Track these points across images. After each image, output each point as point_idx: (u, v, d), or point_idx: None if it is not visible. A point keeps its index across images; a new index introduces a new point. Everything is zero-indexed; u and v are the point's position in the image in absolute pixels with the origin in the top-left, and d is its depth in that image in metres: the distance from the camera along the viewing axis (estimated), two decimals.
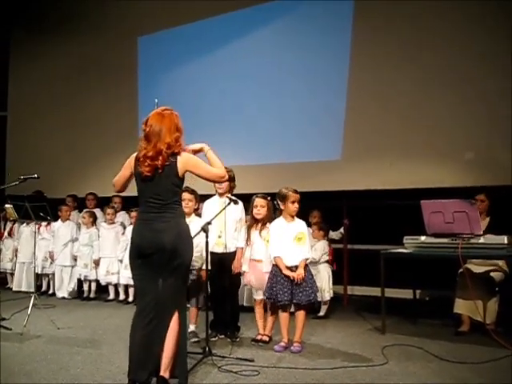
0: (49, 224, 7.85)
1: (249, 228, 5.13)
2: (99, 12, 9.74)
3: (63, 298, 7.59)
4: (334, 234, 6.88)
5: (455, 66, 6.37)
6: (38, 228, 7.73)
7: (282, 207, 4.83)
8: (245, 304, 6.27)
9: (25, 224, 8.16)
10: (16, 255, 8.32)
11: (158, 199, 3.46)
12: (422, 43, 6.62)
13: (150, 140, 3.48)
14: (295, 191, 4.80)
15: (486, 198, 5.51)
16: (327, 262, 6.32)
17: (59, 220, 7.81)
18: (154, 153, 3.43)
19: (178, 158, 3.48)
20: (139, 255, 3.47)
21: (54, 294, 7.79)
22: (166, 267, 3.41)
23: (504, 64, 6.03)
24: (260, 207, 5.02)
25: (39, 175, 5.31)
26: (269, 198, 5.07)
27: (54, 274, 7.84)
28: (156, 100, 4.11)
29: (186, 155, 3.54)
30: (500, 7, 6.10)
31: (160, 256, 3.39)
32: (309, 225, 6.51)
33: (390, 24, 6.86)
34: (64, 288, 7.68)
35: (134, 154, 3.59)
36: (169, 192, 3.47)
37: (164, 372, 3.37)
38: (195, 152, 3.70)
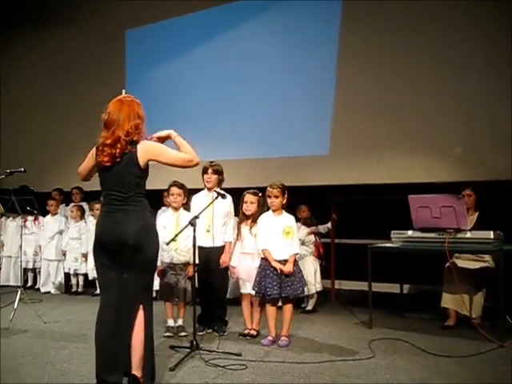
0: (37, 218, 7.81)
1: (239, 223, 5.12)
2: (86, 6, 9.63)
3: (48, 292, 7.55)
4: (321, 228, 6.89)
5: (443, 62, 6.38)
6: (25, 222, 7.68)
7: None
8: (232, 298, 6.25)
9: (10, 218, 8.10)
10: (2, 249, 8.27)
11: (120, 192, 3.28)
12: (410, 39, 6.62)
13: (109, 128, 3.31)
14: (274, 186, 4.76)
15: (473, 193, 5.51)
16: (314, 255, 6.33)
17: (49, 214, 7.78)
18: (111, 140, 3.26)
19: (138, 146, 3.28)
20: (102, 248, 3.34)
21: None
22: (128, 261, 3.24)
23: (492, 61, 6.06)
24: (250, 203, 5.01)
25: (26, 169, 5.28)
26: (260, 194, 5.05)
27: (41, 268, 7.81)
28: (124, 90, 3.79)
29: (147, 143, 3.34)
30: None
31: (122, 250, 3.23)
32: (298, 219, 6.54)
33: (378, 20, 6.85)
34: (50, 283, 7.65)
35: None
36: (131, 184, 3.29)
37: (136, 370, 3.26)
38: (162, 139, 3.49)
